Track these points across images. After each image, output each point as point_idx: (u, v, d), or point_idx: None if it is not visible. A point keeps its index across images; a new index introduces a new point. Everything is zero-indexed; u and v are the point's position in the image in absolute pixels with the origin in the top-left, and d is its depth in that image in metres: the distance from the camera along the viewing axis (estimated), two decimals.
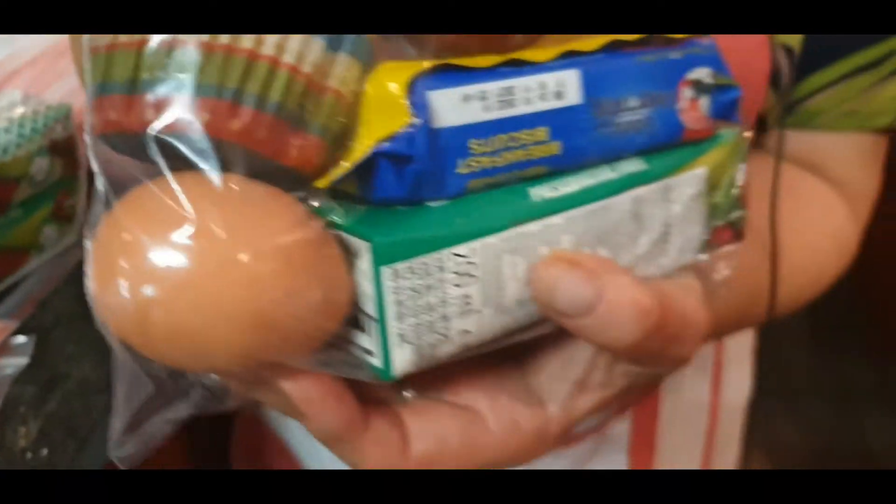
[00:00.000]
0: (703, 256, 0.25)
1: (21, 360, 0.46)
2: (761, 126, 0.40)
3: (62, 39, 0.77)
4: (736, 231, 0.26)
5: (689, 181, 0.24)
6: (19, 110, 0.55)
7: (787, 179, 0.38)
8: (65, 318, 0.54)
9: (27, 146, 0.51)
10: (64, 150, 0.55)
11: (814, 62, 0.38)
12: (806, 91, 0.39)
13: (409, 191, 0.20)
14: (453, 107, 0.20)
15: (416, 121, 0.19)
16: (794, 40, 0.37)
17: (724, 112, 0.25)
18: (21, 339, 0.47)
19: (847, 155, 0.41)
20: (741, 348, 0.50)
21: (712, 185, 0.24)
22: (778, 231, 0.34)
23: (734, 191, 0.25)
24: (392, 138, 0.19)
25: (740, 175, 0.25)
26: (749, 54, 0.36)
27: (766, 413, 0.51)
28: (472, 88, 0.20)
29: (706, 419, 0.49)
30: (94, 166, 0.19)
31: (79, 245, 0.57)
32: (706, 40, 0.24)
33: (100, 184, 0.19)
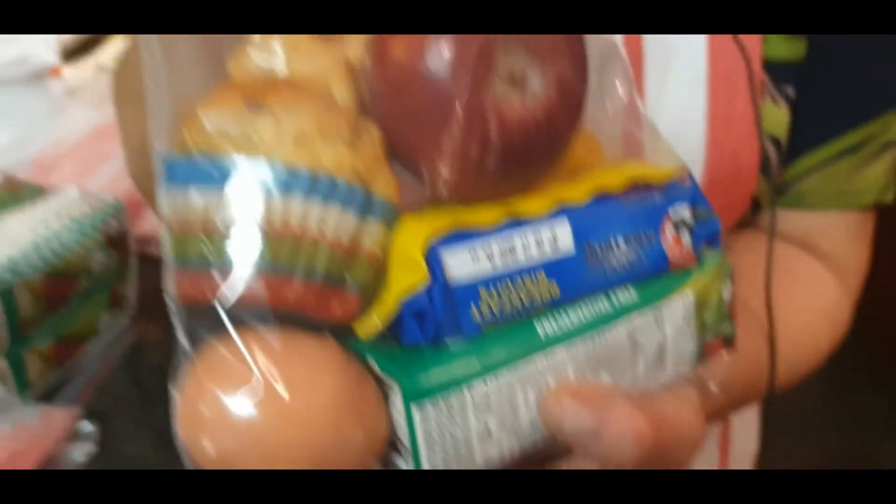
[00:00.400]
0: (698, 368, 0.28)
1: (89, 447, 0.49)
2: (755, 207, 0.44)
3: (104, 122, 0.81)
4: (727, 342, 0.29)
5: (679, 305, 0.27)
6: (79, 209, 0.57)
7: (782, 259, 0.41)
8: (122, 400, 0.57)
9: (86, 243, 0.55)
10: (118, 243, 0.58)
11: (800, 147, 0.42)
12: (796, 174, 0.43)
13: (431, 338, 0.23)
14: (464, 263, 0.23)
15: (434, 278, 0.23)
16: (781, 131, 0.41)
17: (707, 241, 0.28)
18: (87, 425, 0.50)
19: (836, 232, 0.45)
20: (746, 414, 0.52)
21: (701, 305, 0.27)
22: (774, 312, 0.37)
23: (723, 307, 0.28)
24: (413, 295, 0.23)
25: (727, 292, 0.28)
26: (740, 147, 0.39)
27: (778, 445, 0.53)
28: (480, 246, 0.24)
29: None
30: (179, 333, 0.23)
31: (130, 329, 0.60)
32: (686, 181, 0.28)
33: (184, 342, 0.23)
